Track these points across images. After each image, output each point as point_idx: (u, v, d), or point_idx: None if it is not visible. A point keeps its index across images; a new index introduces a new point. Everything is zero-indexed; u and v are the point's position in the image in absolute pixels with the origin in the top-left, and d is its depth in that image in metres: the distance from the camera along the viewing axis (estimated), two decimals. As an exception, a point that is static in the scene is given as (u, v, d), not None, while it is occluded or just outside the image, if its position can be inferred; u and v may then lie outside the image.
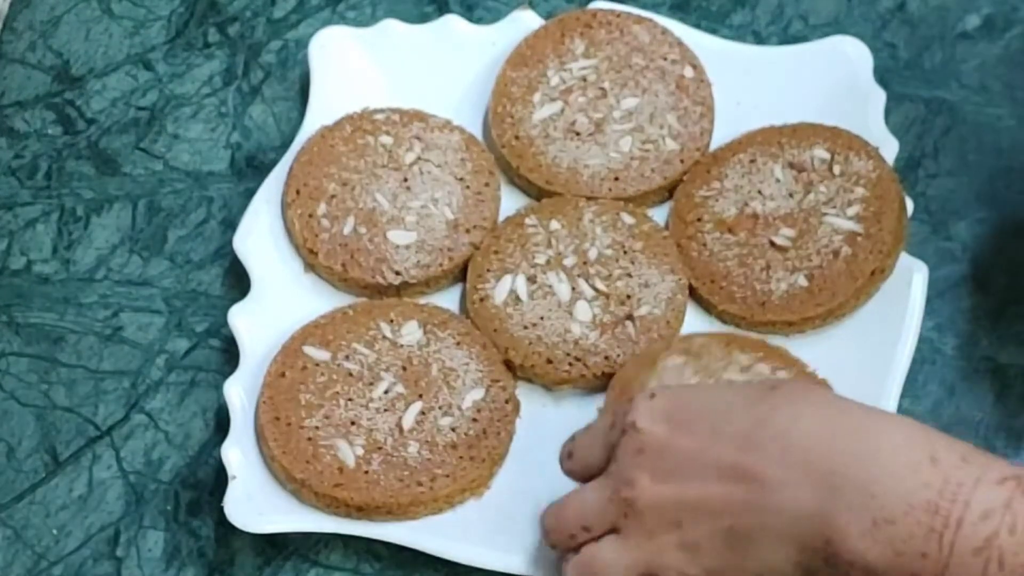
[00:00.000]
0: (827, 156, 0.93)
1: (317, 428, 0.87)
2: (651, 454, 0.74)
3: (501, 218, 0.96)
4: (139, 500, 0.90)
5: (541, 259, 0.92)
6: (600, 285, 0.91)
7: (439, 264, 0.93)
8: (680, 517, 0.74)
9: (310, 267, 0.95)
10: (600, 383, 0.89)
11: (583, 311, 0.90)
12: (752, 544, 0.72)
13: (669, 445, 0.74)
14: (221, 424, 0.91)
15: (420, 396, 0.88)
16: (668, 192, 0.95)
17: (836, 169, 0.92)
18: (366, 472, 0.86)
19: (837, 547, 0.69)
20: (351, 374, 0.89)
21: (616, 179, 0.95)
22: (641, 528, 0.75)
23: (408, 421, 0.87)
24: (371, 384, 0.89)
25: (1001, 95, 0.99)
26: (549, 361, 0.89)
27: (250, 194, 0.97)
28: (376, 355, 0.90)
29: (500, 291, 0.92)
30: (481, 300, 0.92)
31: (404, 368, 0.89)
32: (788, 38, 1.02)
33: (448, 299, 0.94)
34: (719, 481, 0.72)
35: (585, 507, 0.77)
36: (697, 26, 1.01)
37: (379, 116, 0.98)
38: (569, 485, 0.87)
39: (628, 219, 0.93)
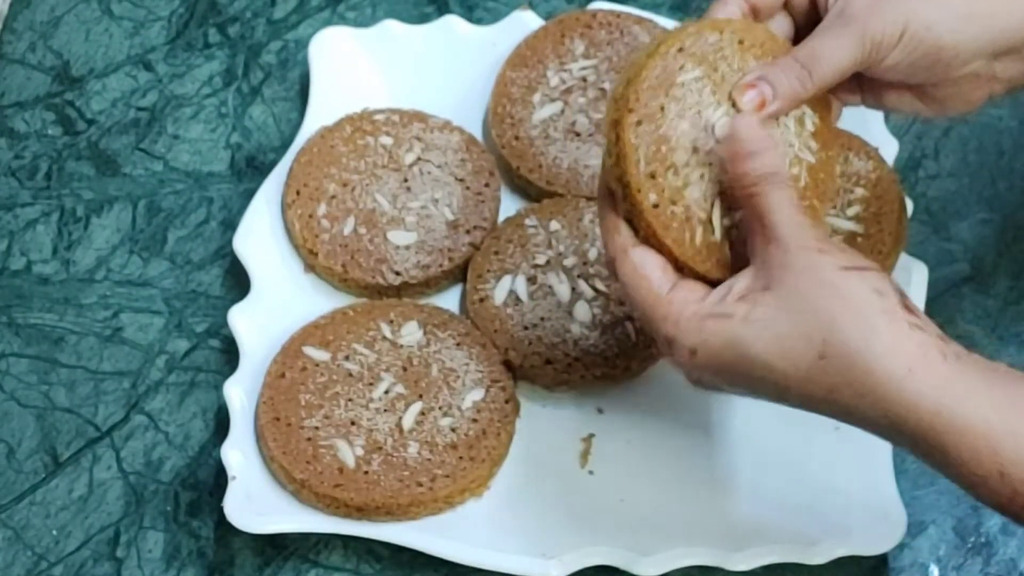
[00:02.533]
0: (827, 156, 0.93)
1: (317, 428, 0.87)
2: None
3: (501, 219, 0.96)
4: (139, 501, 0.90)
5: (541, 259, 0.92)
6: (600, 286, 0.91)
7: (439, 265, 0.93)
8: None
9: (310, 267, 0.95)
10: (599, 384, 0.89)
11: (583, 312, 0.90)
12: None
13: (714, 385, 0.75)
14: (221, 425, 0.91)
15: (420, 396, 0.88)
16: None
17: (836, 169, 0.92)
18: (366, 472, 0.86)
19: None
20: (351, 374, 0.89)
21: (616, 179, 0.95)
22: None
23: (408, 421, 0.87)
24: (371, 384, 0.89)
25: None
26: (548, 362, 0.89)
27: (250, 195, 0.97)
28: (376, 355, 0.90)
29: (500, 291, 0.92)
30: (481, 300, 0.92)
31: (404, 368, 0.89)
32: (788, 38, 1.02)
33: (448, 299, 0.94)
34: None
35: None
36: (697, 26, 1.01)
37: (379, 117, 0.98)
38: (567, 487, 0.87)
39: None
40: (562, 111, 0.97)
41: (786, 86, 0.75)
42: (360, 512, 0.85)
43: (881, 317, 0.69)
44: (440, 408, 0.88)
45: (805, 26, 0.80)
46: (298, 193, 0.95)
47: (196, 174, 1.01)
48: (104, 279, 0.97)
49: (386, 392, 0.89)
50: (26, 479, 0.91)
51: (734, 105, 0.75)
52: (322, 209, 0.95)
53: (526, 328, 0.91)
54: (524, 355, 0.90)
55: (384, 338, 0.90)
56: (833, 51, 0.76)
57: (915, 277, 0.90)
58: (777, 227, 0.71)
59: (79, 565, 0.88)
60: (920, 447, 0.70)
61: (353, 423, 0.88)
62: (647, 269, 0.74)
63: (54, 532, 0.89)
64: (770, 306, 0.71)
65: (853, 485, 0.85)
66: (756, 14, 0.79)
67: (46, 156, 1.02)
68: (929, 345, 0.69)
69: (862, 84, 0.81)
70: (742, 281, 0.72)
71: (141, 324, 0.95)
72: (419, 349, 0.90)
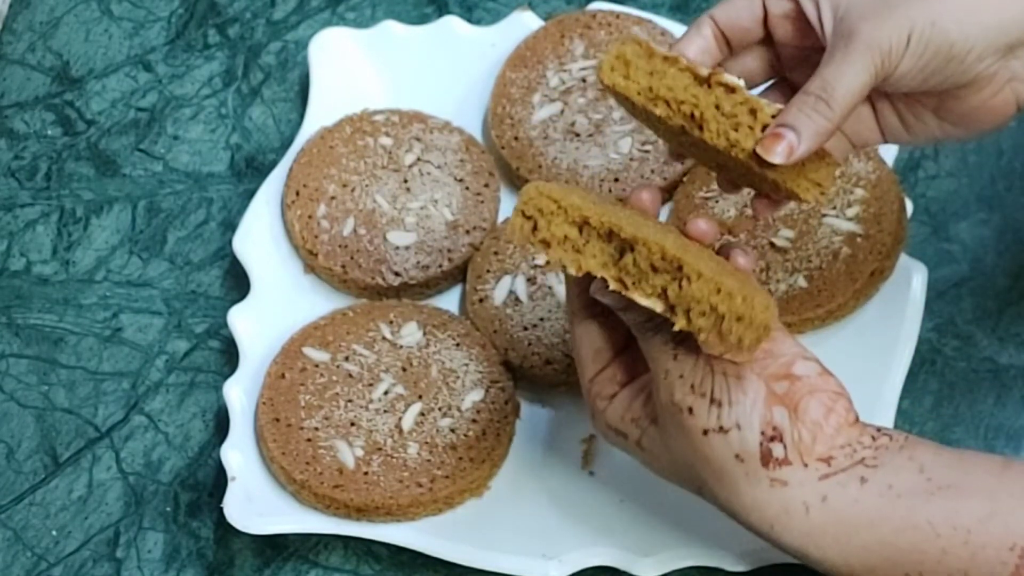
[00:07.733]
0: (827, 157, 0.93)
1: (317, 429, 0.87)
2: None
3: (501, 219, 0.96)
4: (139, 501, 0.90)
5: (541, 260, 0.92)
6: (600, 286, 0.91)
7: (439, 265, 0.93)
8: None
9: (310, 268, 0.95)
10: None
11: (583, 312, 0.90)
12: None
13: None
14: (221, 425, 0.91)
15: (420, 397, 0.88)
16: (668, 193, 0.95)
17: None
18: (366, 473, 0.86)
19: None
20: (351, 375, 0.89)
21: (616, 180, 0.95)
22: None
23: (408, 422, 0.88)
24: (371, 385, 0.89)
25: (1001, 96, 0.99)
26: (548, 362, 0.89)
27: (250, 195, 0.97)
28: (376, 356, 0.90)
29: (500, 292, 0.92)
30: (480, 301, 0.92)
31: (404, 369, 0.89)
32: (788, 39, 1.02)
33: (448, 300, 0.94)
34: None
35: None
36: (697, 27, 1.01)
37: (379, 117, 0.98)
38: (567, 488, 0.87)
39: (628, 220, 0.93)
40: (561, 112, 0.97)
41: (808, 125, 0.73)
42: (360, 513, 0.85)
43: (742, 481, 0.74)
44: (440, 409, 0.88)
45: (791, 60, 0.79)
46: (298, 194, 0.95)
47: (196, 175, 1.01)
48: (104, 279, 0.97)
49: (386, 393, 0.89)
50: (26, 479, 0.91)
51: (759, 162, 0.73)
52: (322, 210, 0.95)
53: (526, 328, 0.91)
54: (524, 355, 0.90)
55: (384, 339, 0.90)
56: (844, 73, 0.74)
57: (915, 278, 0.90)
58: (654, 374, 0.75)
59: (79, 566, 0.88)
60: None
61: (353, 424, 0.88)
62: (581, 349, 0.78)
63: (54, 533, 0.89)
64: (656, 440, 0.77)
65: (853, 486, 0.85)
66: (728, 45, 0.78)
67: (46, 156, 1.02)
68: (791, 500, 0.74)
69: (885, 121, 0.79)
70: (639, 400, 0.77)
71: (141, 325, 0.95)
72: (419, 350, 0.90)
